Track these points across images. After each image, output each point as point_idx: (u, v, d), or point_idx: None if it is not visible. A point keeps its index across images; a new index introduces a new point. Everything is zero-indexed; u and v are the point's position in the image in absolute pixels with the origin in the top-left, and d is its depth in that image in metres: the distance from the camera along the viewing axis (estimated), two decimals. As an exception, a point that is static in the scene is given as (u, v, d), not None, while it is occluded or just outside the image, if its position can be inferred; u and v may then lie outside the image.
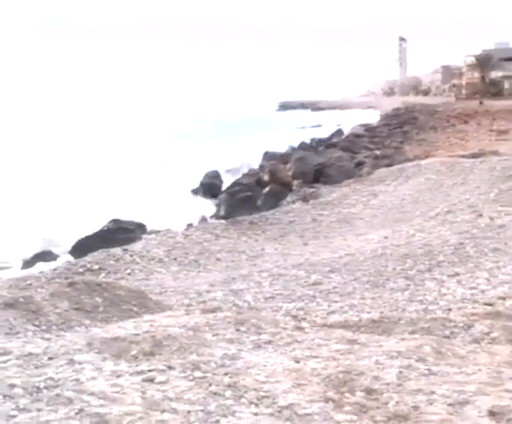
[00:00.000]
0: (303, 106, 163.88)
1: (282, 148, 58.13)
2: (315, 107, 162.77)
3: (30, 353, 8.54)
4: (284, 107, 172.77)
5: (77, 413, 6.87)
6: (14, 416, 6.86)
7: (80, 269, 18.00)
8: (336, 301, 14.36)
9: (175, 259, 19.70)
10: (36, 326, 10.19)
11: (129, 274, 17.83)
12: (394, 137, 63.22)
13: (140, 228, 30.51)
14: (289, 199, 34.22)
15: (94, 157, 70.27)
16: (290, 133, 72.48)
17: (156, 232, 27.36)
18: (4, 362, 8.24)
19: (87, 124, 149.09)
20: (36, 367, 8.05)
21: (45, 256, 25.70)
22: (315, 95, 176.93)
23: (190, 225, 29.30)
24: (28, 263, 25.15)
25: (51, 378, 7.66)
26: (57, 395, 7.27)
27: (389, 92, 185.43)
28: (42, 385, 7.49)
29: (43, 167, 62.64)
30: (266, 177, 41.78)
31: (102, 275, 17.13)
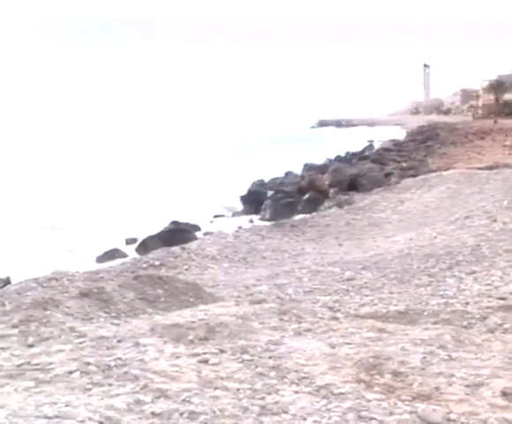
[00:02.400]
0: (338, 124, 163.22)
1: (320, 160, 57.93)
2: (349, 124, 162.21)
3: (102, 336, 8.63)
4: (321, 124, 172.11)
5: (142, 388, 6.94)
6: (89, 389, 6.95)
7: (144, 265, 18.07)
8: (367, 295, 14.32)
9: (226, 256, 19.72)
10: (107, 313, 10.27)
11: (186, 269, 17.87)
12: (418, 151, 62.75)
13: (196, 229, 30.58)
14: (326, 204, 34.03)
15: (154, 162, 70.05)
16: (328, 147, 72.13)
17: (210, 233, 27.45)
18: (81, 343, 8.35)
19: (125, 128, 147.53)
20: (107, 348, 8.15)
21: (114, 253, 25.80)
22: (348, 114, 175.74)
23: (240, 227, 29.31)
24: (100, 259, 25.26)
25: (120, 358, 7.75)
26: (125, 372, 7.35)
27: (414, 111, 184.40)
28: (113, 364, 7.58)
29: (108, 170, 62.49)
30: (305, 186, 41.68)
31: (163, 270, 17.17)
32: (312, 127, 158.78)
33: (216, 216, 37.30)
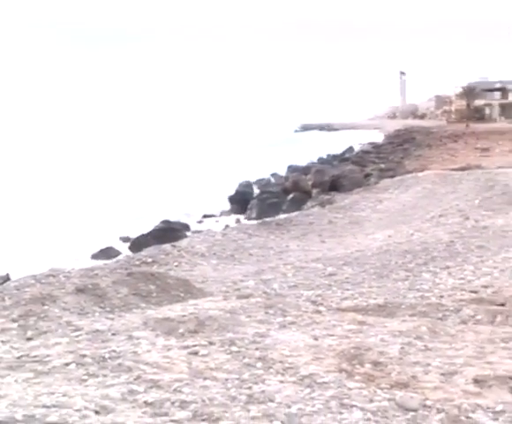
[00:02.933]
0: (320, 127, 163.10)
1: (303, 162, 58.03)
2: (330, 128, 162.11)
3: (97, 330, 8.67)
4: (304, 128, 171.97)
5: (135, 379, 6.98)
6: (85, 380, 6.99)
7: (137, 262, 18.08)
8: (348, 289, 14.39)
9: (214, 254, 19.74)
10: (102, 308, 10.29)
11: (176, 266, 17.88)
12: (396, 153, 62.97)
13: (186, 228, 30.63)
14: (309, 204, 34.09)
15: (147, 164, 69.83)
16: (311, 149, 72.24)
17: (199, 232, 27.49)
18: (77, 337, 8.39)
19: (122, 128, 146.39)
20: (102, 341, 8.18)
21: (109, 251, 25.81)
22: (330, 118, 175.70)
23: (227, 226, 29.36)
24: (95, 256, 25.28)
25: (114, 350, 7.78)
26: (119, 364, 7.38)
27: (392, 116, 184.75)
28: (107, 356, 7.62)
29: (103, 171, 62.24)
30: (290, 186, 41.77)
31: (155, 266, 17.19)
32: (296, 131, 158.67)
33: (205, 216, 37.31)
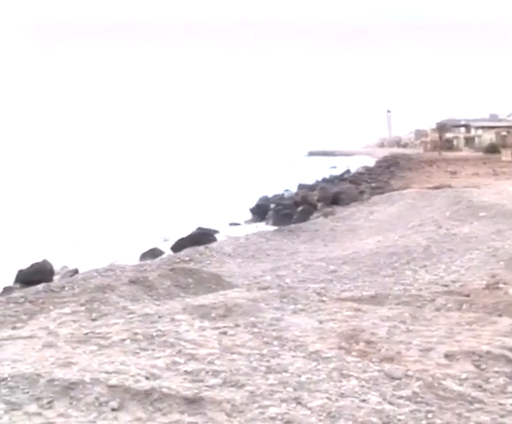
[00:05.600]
0: (324, 154, 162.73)
1: (310, 181, 58.03)
2: (332, 154, 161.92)
3: (147, 313, 8.75)
4: (311, 154, 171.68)
5: (177, 353, 7.07)
6: (138, 353, 7.09)
7: (177, 260, 18.13)
8: (346, 283, 14.38)
9: (239, 254, 19.74)
10: (150, 296, 10.37)
11: (209, 263, 17.90)
12: (384, 174, 62.60)
13: (216, 233, 30.59)
14: (315, 215, 33.90)
15: (180, 174, 69.61)
16: (317, 171, 72.22)
17: (227, 236, 27.56)
18: (131, 318, 8.47)
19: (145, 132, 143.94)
20: (151, 322, 8.26)
21: (155, 251, 25.77)
22: (331, 146, 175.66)
23: (249, 232, 29.36)
24: (144, 255, 25.26)
25: (160, 330, 7.86)
26: (164, 341, 7.47)
27: (381, 145, 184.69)
28: (155, 334, 7.70)
29: (144, 180, 62.06)
30: (299, 200, 41.65)
31: (191, 264, 17.20)
32: (305, 156, 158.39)
33: (231, 224, 37.30)
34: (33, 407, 5.86)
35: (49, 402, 5.95)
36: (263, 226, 34.93)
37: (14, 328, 8.65)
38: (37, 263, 21.96)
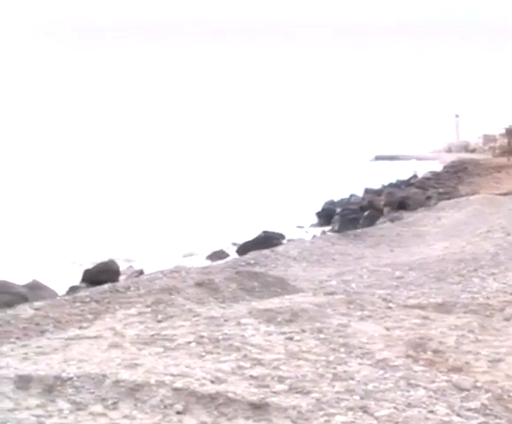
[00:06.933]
0: (390, 158, 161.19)
1: (377, 186, 57.59)
2: (399, 158, 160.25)
3: (212, 316, 8.72)
4: (377, 158, 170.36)
5: (243, 357, 7.03)
6: (203, 356, 7.07)
7: (243, 263, 18.08)
8: (412, 290, 14.13)
9: (304, 258, 19.61)
10: (215, 299, 10.34)
11: (274, 267, 17.81)
12: (451, 180, 61.72)
13: (281, 237, 30.53)
14: (381, 220, 33.56)
15: (245, 178, 69.56)
16: (383, 176, 71.58)
17: (292, 240, 27.49)
18: (196, 321, 8.46)
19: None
20: (216, 326, 8.23)
21: (220, 254, 25.89)
22: (398, 151, 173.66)
23: (315, 236, 29.22)
24: (210, 257, 25.40)
25: (226, 333, 7.83)
26: (230, 344, 7.43)
27: (448, 150, 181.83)
28: (220, 337, 7.67)
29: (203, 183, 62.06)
30: (366, 205, 41.36)
31: (257, 267, 17.14)
32: (371, 160, 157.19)
33: (297, 227, 37.24)
34: (98, 408, 5.90)
35: (114, 403, 5.98)
36: (328, 231, 34.73)
37: (80, 327, 8.73)
38: (103, 263, 22.23)
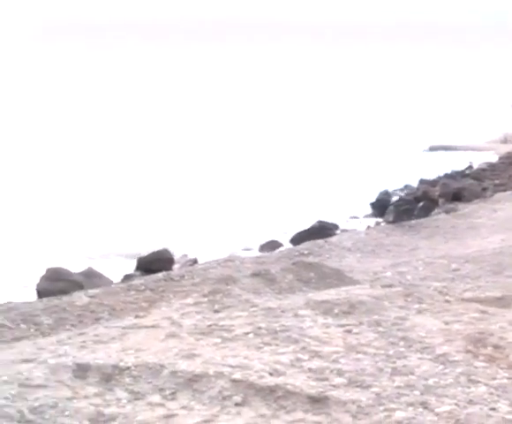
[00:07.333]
0: (445, 148, 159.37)
1: (432, 176, 56.98)
2: (453, 149, 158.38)
3: (269, 307, 8.68)
4: (432, 149, 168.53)
5: (301, 349, 6.98)
6: (261, 347, 7.05)
7: (296, 253, 18.03)
8: (469, 282, 13.92)
9: (358, 249, 19.48)
10: (272, 289, 10.30)
11: (328, 257, 17.72)
12: (508, 171, 60.71)
13: (335, 227, 30.43)
14: (436, 211, 33.21)
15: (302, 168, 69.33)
16: (438, 166, 70.76)
17: (346, 230, 27.39)
18: (254, 312, 8.43)
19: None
20: (274, 317, 8.18)
21: (273, 243, 25.86)
22: (453, 141, 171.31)
23: (369, 227, 29.10)
24: (263, 247, 25.39)
25: (283, 325, 7.78)
26: (288, 336, 7.39)
27: (504, 141, 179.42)
28: (278, 329, 7.63)
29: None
30: (420, 196, 40.95)
31: (310, 257, 17.06)
32: (425, 150, 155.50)
33: (351, 218, 37.09)
34: (156, 398, 5.92)
35: (172, 393, 5.99)
36: (382, 222, 34.50)
37: (137, 316, 8.77)
38: (157, 251, 22.37)
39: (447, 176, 63.29)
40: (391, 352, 7.04)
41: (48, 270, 18.19)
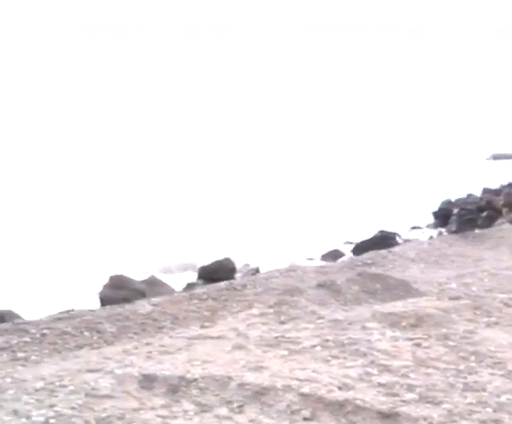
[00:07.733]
0: (510, 157, 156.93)
1: (495, 186, 56.16)
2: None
3: (336, 319, 8.59)
4: (495, 157, 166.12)
5: (370, 363, 6.87)
6: (329, 360, 6.97)
7: (359, 263, 17.82)
8: (536, 295, 13.70)
9: (422, 259, 19.18)
10: (337, 301, 10.21)
11: (392, 268, 17.49)
12: None
13: (398, 236, 30.23)
14: (500, 221, 32.71)
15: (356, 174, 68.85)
16: (502, 175, 69.70)
17: (409, 240, 27.13)
18: (320, 324, 8.36)
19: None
20: (341, 329, 8.09)
21: (335, 253, 25.82)
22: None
23: (431, 237, 28.77)
24: (324, 257, 25.34)
25: (351, 337, 7.69)
26: (356, 349, 7.29)
27: None
28: (346, 341, 7.53)
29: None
30: (484, 205, 40.42)
31: (374, 268, 16.91)
32: (487, 159, 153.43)
33: (413, 228, 36.81)
34: (223, 410, 5.88)
35: (240, 406, 5.94)
36: (445, 231, 34.08)
37: (202, 326, 8.76)
38: (219, 260, 22.46)
39: (510, 185, 62.44)
40: (462, 367, 6.90)
41: (112, 278, 18.42)
